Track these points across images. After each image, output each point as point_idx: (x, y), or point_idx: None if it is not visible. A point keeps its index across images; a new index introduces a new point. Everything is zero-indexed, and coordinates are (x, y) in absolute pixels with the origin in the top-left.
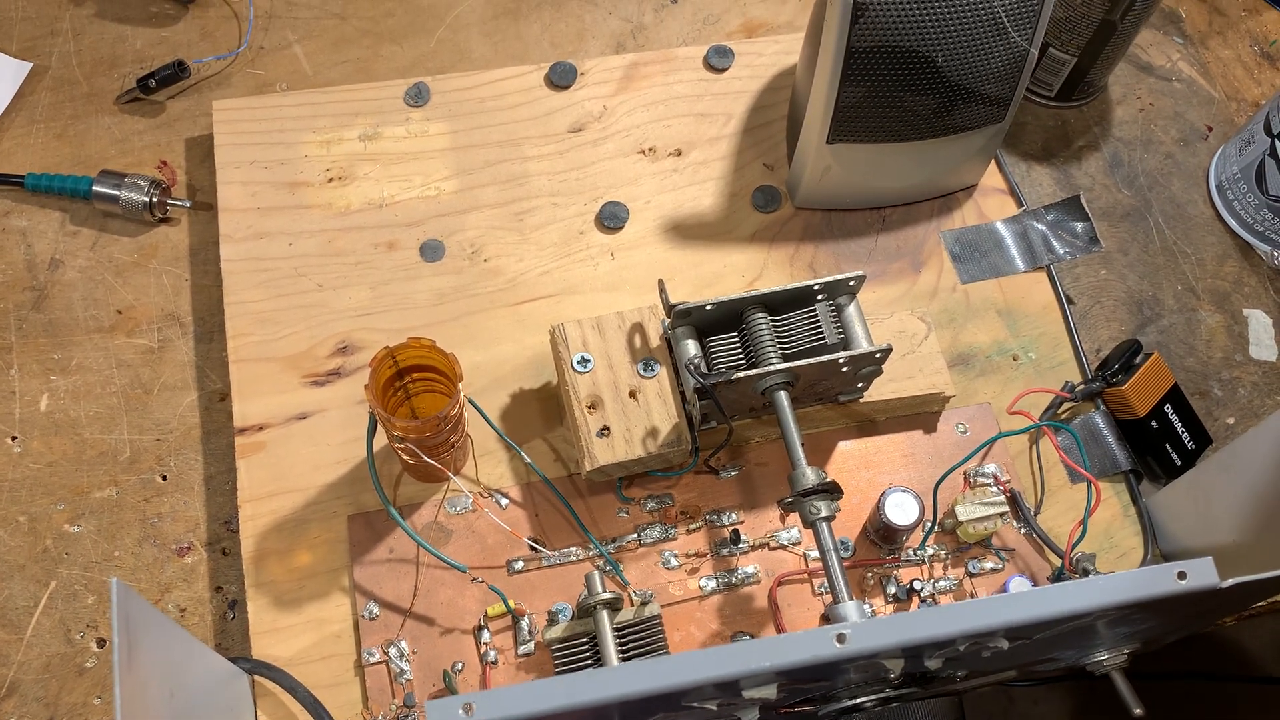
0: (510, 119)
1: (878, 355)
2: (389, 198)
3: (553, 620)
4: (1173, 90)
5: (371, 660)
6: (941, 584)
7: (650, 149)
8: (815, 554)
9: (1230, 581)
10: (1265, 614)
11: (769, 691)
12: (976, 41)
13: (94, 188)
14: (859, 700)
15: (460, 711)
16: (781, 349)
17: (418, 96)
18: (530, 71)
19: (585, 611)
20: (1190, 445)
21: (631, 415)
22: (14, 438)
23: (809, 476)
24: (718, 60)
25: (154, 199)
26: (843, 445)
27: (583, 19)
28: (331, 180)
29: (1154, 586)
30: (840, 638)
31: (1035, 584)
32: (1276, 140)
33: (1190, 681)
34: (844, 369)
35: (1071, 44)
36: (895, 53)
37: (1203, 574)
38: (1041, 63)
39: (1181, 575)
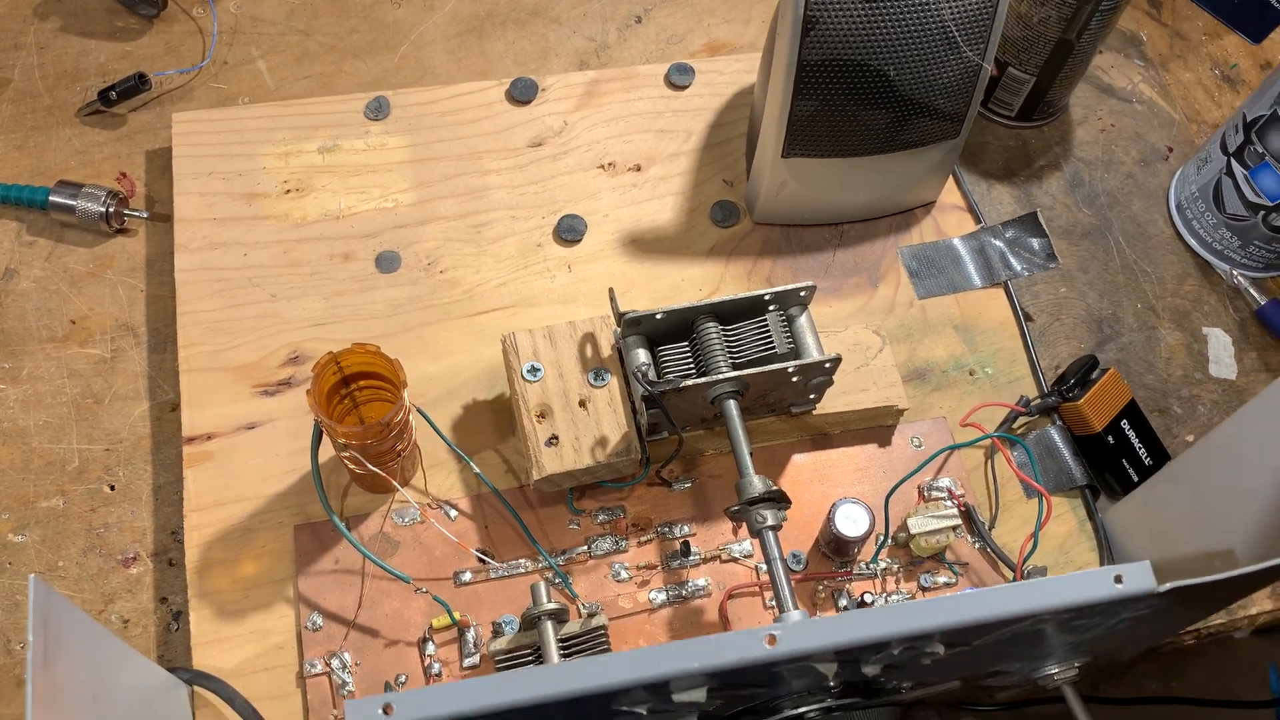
0: (470, 133)
1: (827, 365)
2: (346, 209)
3: (498, 632)
4: (1134, 111)
5: (313, 671)
6: (894, 598)
7: (610, 164)
8: (766, 566)
9: (1167, 586)
10: (1226, 635)
11: (699, 695)
12: (928, 55)
13: (50, 198)
14: (801, 711)
15: (380, 711)
16: (731, 358)
17: (378, 110)
18: (491, 87)
19: (530, 623)
20: (1148, 462)
21: (581, 424)
22: None
23: (756, 485)
24: (679, 78)
25: (110, 209)
26: (796, 458)
27: (546, 37)
28: (289, 192)
29: (1090, 591)
30: (770, 639)
31: None
32: (1232, 159)
33: (1154, 705)
34: (794, 379)
35: (1030, 63)
36: (846, 66)
37: (1139, 578)
38: (1001, 82)
39: (1118, 579)
